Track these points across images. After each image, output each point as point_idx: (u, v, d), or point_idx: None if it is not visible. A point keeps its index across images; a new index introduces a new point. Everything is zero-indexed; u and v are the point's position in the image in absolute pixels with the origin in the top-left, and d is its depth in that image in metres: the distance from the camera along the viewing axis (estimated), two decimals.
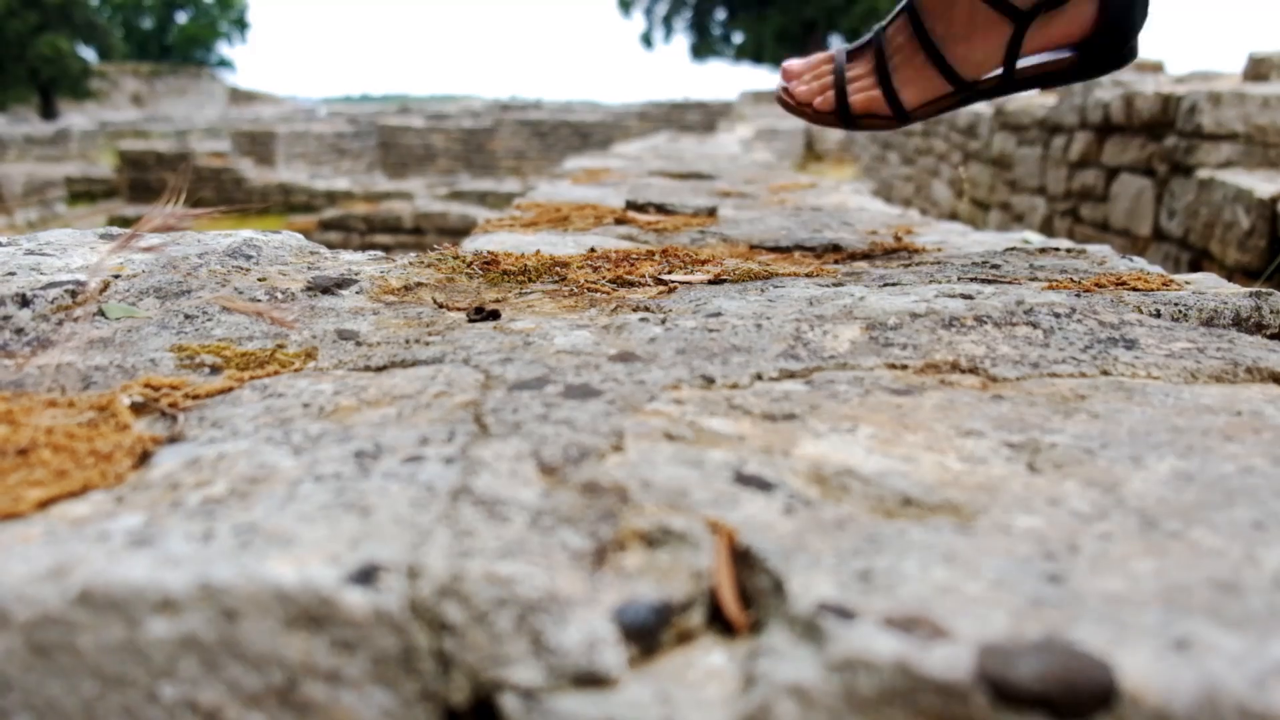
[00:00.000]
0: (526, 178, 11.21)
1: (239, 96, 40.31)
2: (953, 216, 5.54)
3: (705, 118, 15.91)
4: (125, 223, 9.02)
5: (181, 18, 46.17)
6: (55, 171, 11.49)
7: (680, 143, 6.49)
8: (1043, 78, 1.07)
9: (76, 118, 19.78)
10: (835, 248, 1.23)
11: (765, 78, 35.75)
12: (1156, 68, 4.07)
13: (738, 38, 32.95)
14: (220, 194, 10.47)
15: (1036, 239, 1.35)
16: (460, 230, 5.32)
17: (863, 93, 1.13)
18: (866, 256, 1.20)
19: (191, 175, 10.50)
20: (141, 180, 10.67)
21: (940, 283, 0.84)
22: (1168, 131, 2.98)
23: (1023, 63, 1.06)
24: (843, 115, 1.12)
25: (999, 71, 1.06)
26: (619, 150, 5.60)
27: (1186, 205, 2.80)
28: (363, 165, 14.79)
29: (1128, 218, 3.21)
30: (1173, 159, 2.91)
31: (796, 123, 16.26)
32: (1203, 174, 2.72)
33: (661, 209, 1.62)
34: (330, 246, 3.81)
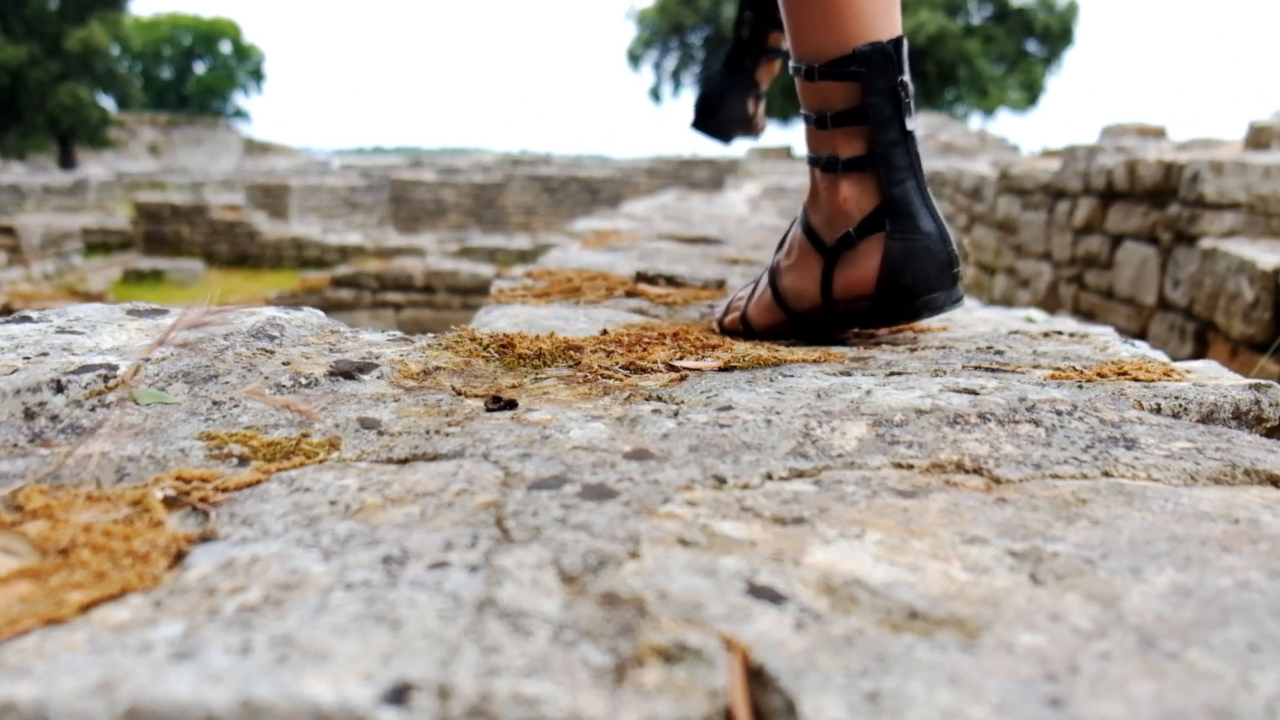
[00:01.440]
0: (536, 233, 11.32)
1: (254, 147, 40.85)
2: None
3: (713, 174, 16.07)
4: (139, 276, 9.12)
5: (200, 68, 46.97)
6: (72, 222, 11.64)
7: (689, 201, 6.56)
8: (852, 317, 1.10)
9: (94, 168, 20.05)
10: None
11: (773, 133, 36.12)
12: (1159, 133, 4.13)
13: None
14: (234, 247, 10.58)
15: (1040, 318, 1.38)
16: (471, 288, 5.37)
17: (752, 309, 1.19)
18: (873, 336, 1.22)
19: (206, 228, 10.63)
20: (157, 232, 10.79)
21: (945, 373, 0.86)
22: (1170, 199, 3.01)
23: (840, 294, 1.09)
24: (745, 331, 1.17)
25: (820, 304, 1.10)
26: (628, 209, 5.66)
27: (1191, 275, 2.82)
28: (375, 219, 14.94)
29: (1132, 286, 3.24)
30: (1176, 227, 2.95)
31: (803, 180, 16.38)
32: (1206, 243, 2.75)
33: (671, 281, 1.65)
34: (343, 305, 3.88)
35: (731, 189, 13.33)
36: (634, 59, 32.24)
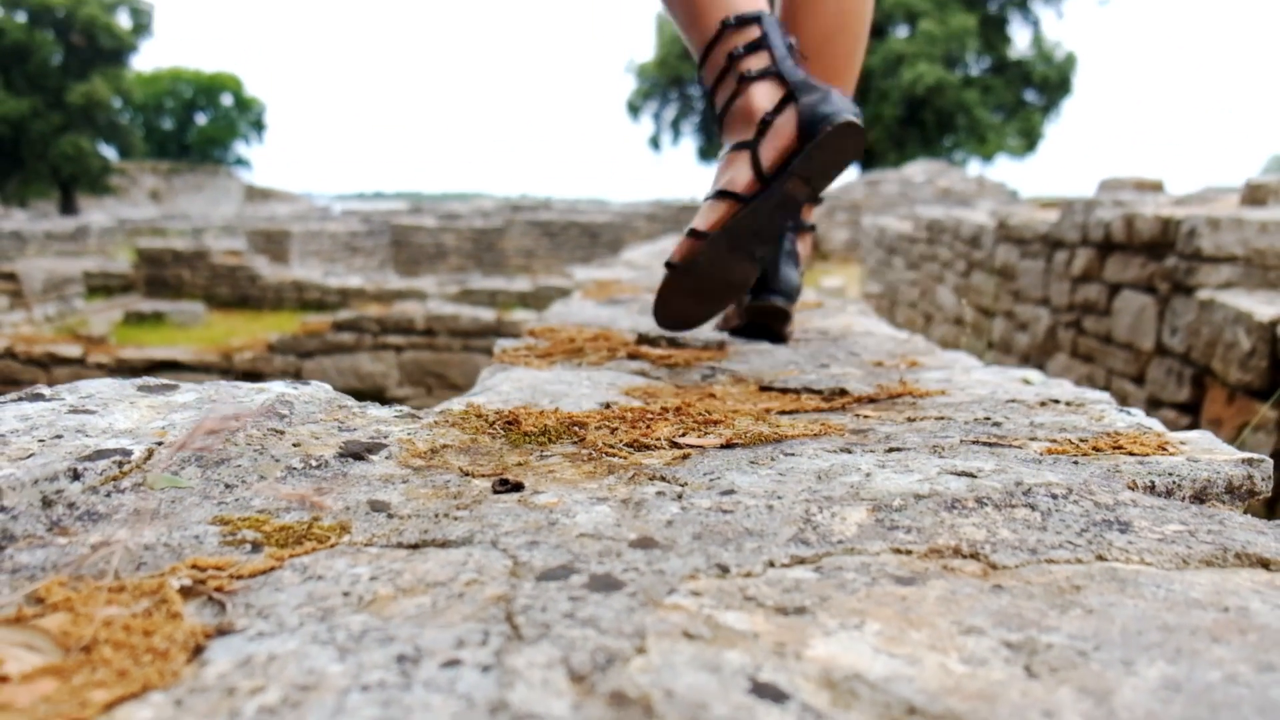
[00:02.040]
0: (536, 275, 11.38)
1: (254, 193, 41.14)
2: (957, 322, 5.61)
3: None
4: (141, 318, 9.16)
5: (201, 119, 47.43)
6: (74, 266, 11.71)
7: None
8: (784, 166, 1.34)
9: (96, 214, 20.20)
10: (842, 391, 1.27)
11: None
12: (1156, 186, 4.18)
13: (693, 141, 33.68)
14: (235, 290, 10.64)
15: (1037, 379, 1.40)
16: (471, 331, 5.40)
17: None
18: (872, 401, 1.24)
19: (207, 272, 10.69)
20: (158, 276, 10.86)
21: (943, 451, 0.88)
22: (1168, 252, 3.05)
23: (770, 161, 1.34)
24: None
25: (756, 180, 1.35)
26: (628, 257, 5.69)
27: (1188, 323, 2.85)
28: (375, 262, 15.02)
29: (1130, 332, 3.27)
30: (1173, 278, 2.98)
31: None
32: (1203, 294, 2.78)
33: (672, 342, 1.67)
34: (344, 347, 3.90)
35: None
36: (634, 110, 32.61)
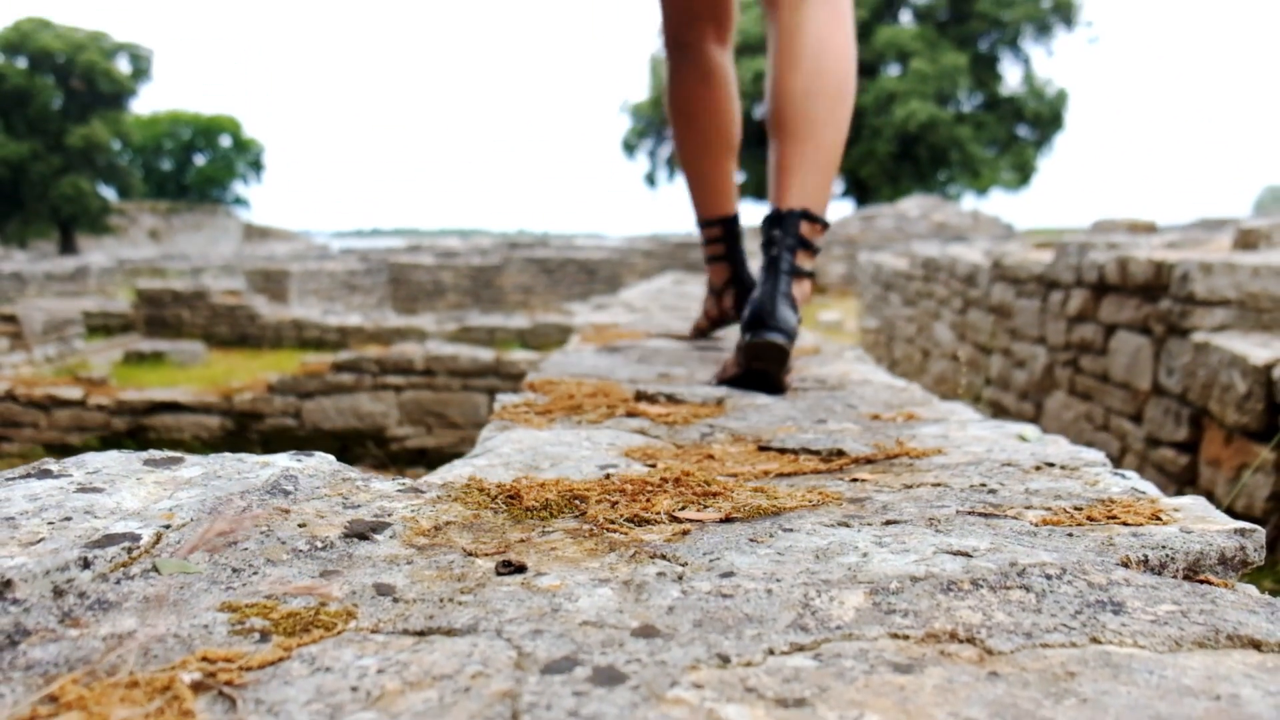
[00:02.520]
0: (535, 312, 11.42)
1: (253, 232, 41.34)
2: (955, 358, 5.64)
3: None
4: (141, 358, 9.17)
5: (200, 160, 47.73)
6: (74, 306, 11.74)
7: (685, 286, 6.64)
8: (722, 321, 2.48)
9: (96, 255, 20.28)
10: (839, 452, 1.29)
11: (765, 213, 36.66)
12: (1149, 228, 4.21)
13: (740, 177, 33.89)
14: (234, 329, 10.66)
15: (1033, 435, 1.41)
16: (470, 371, 5.42)
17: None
18: (870, 462, 1.26)
19: (207, 312, 10.72)
20: (158, 316, 10.89)
21: (940, 524, 0.89)
22: (1162, 294, 3.08)
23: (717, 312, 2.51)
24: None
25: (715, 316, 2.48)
26: (626, 297, 5.72)
27: (1184, 365, 2.87)
28: (374, 300, 15.07)
29: (1127, 372, 3.29)
30: (1168, 320, 3.00)
31: None
32: (1198, 337, 2.80)
33: (671, 399, 1.68)
34: (344, 388, 3.92)
35: None
36: (629, 148, 32.87)
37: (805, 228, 1.74)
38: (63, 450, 5.31)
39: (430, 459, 5.28)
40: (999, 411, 4.76)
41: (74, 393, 5.34)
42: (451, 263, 16.30)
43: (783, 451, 1.32)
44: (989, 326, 4.95)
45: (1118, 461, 3.36)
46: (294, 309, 11.22)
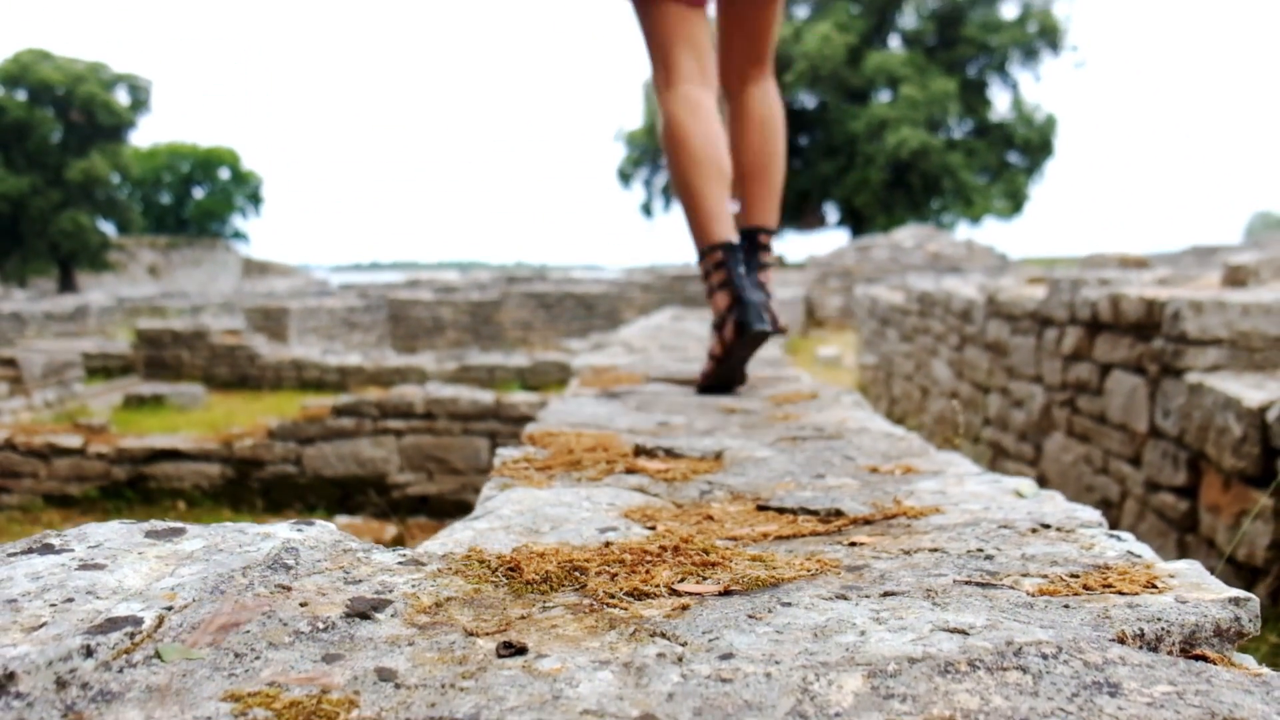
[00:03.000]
0: (534, 348, 11.44)
1: (252, 267, 41.46)
2: (953, 396, 5.64)
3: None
4: (141, 401, 9.18)
5: (199, 193, 47.95)
6: (73, 347, 11.77)
7: (684, 323, 6.66)
8: (733, 348, 2.43)
9: (95, 293, 20.33)
10: (838, 512, 1.29)
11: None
12: (1141, 263, 4.24)
13: (734, 206, 34.07)
14: (234, 370, 10.68)
15: (1029, 490, 1.42)
16: (471, 414, 5.42)
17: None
18: (868, 523, 1.26)
19: (207, 352, 10.74)
20: (157, 357, 10.91)
21: (937, 596, 0.90)
22: (1155, 333, 3.09)
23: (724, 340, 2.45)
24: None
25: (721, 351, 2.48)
26: (625, 336, 5.73)
27: (1179, 406, 2.88)
28: (373, 337, 15.10)
29: (1124, 413, 3.30)
30: (1162, 360, 3.02)
31: (795, 293, 16.76)
32: (1192, 378, 2.81)
33: (670, 453, 1.69)
34: (344, 433, 3.92)
35: None
36: (624, 177, 33.08)
37: (764, 237, 2.58)
38: (62, 501, 5.31)
39: (431, 506, 5.27)
40: (999, 453, 4.76)
41: (74, 441, 5.34)
42: (450, 298, 16.35)
43: (781, 511, 1.33)
44: (986, 364, 4.96)
45: (1118, 507, 3.35)
46: (294, 348, 11.24)
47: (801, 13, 33.25)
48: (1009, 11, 32.97)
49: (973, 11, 32.67)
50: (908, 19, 33.72)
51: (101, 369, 11.35)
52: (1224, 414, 2.59)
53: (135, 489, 5.37)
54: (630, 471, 1.59)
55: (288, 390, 10.23)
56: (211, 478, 5.36)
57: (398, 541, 4.79)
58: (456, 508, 5.37)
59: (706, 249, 2.37)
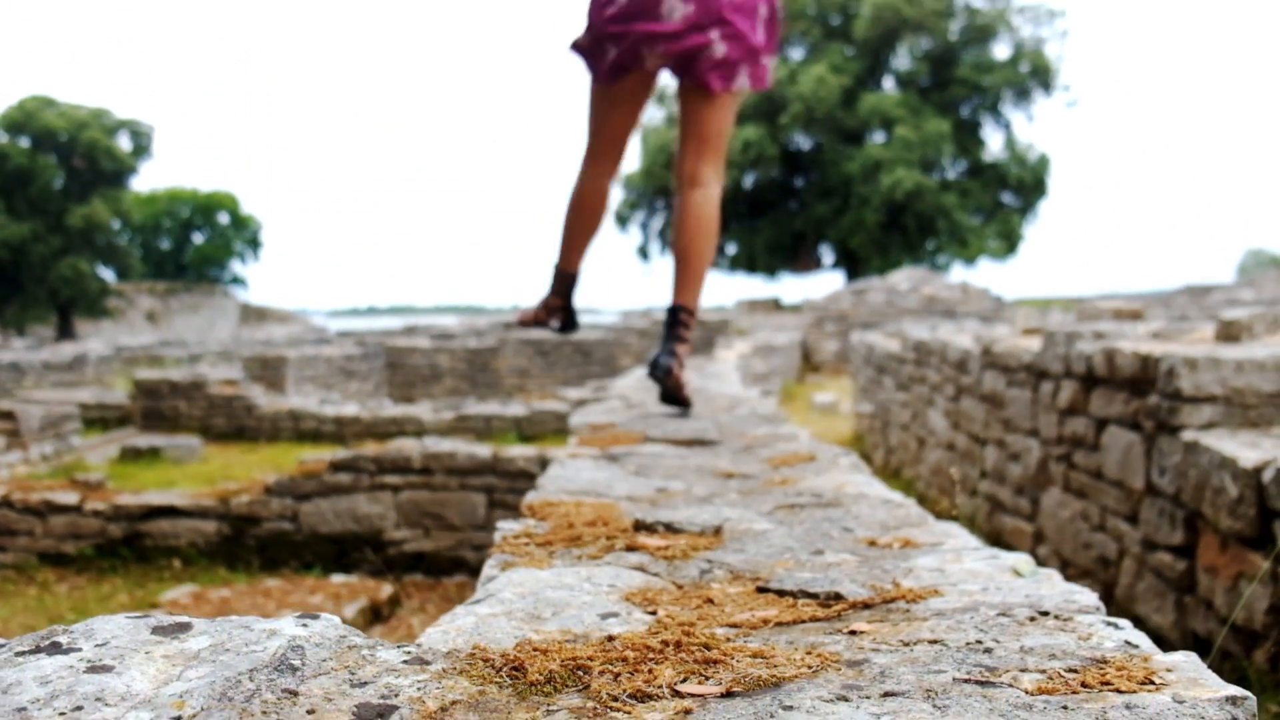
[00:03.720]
0: (530, 396, 11.45)
1: (250, 313, 41.56)
2: (950, 448, 5.65)
3: (704, 334, 16.35)
4: (138, 454, 9.16)
5: (198, 238, 48.13)
6: (71, 397, 11.77)
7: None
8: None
9: (93, 342, 20.36)
10: (837, 596, 1.31)
11: (758, 286, 37.31)
12: (1135, 315, 4.27)
13: (731, 249, 34.40)
14: (231, 421, 10.68)
15: (1026, 568, 1.43)
16: (468, 469, 5.42)
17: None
18: (868, 607, 1.27)
19: (204, 403, 10.74)
20: (155, 408, 10.91)
21: (937, 697, 0.91)
22: (1150, 388, 3.12)
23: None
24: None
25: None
26: (621, 387, 5.75)
27: (1175, 464, 2.90)
28: (370, 385, 15.11)
29: (1120, 470, 3.31)
30: (1157, 417, 3.03)
31: (791, 337, 16.82)
32: (1187, 436, 2.83)
33: (669, 528, 1.70)
34: (341, 488, 3.92)
35: (722, 348, 13.55)
36: (621, 220, 33.28)
37: (685, 315, 2.96)
38: (57, 559, 5.28)
39: (428, 563, 5.25)
40: (996, 506, 4.76)
41: (70, 498, 5.33)
42: (448, 345, 16.39)
43: (781, 594, 1.34)
44: (982, 415, 4.98)
45: (1116, 565, 3.36)
46: (291, 399, 11.24)
47: (796, 55, 33.66)
48: (1001, 52, 33.35)
49: (965, 53, 33.08)
50: (901, 61, 34.13)
51: (99, 419, 11.35)
52: (1219, 474, 2.60)
53: (131, 546, 5.35)
54: (630, 549, 1.60)
55: (284, 441, 10.22)
56: (207, 535, 5.35)
57: (393, 601, 4.77)
58: (453, 564, 5.35)
59: (557, 270, 3.21)
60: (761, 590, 1.37)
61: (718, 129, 2.81)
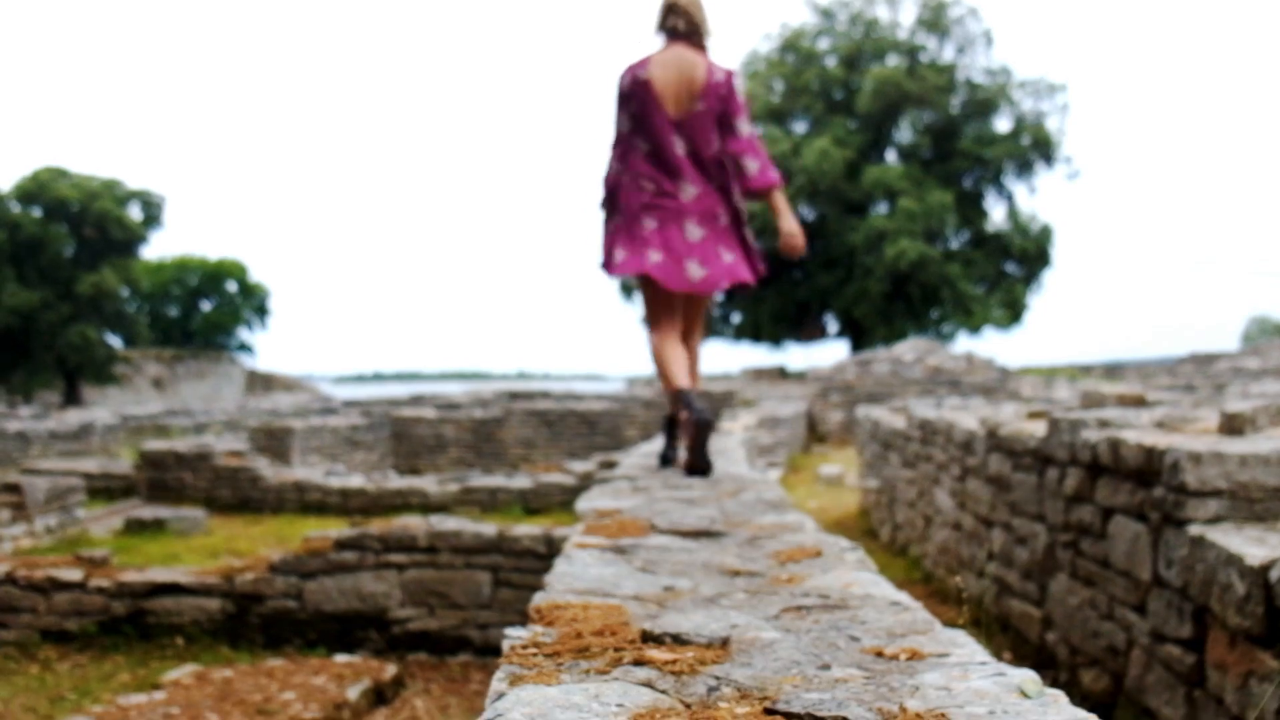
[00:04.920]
0: (536, 468, 11.44)
1: (256, 380, 41.69)
2: (957, 528, 5.63)
3: (710, 405, 16.37)
4: (142, 525, 9.14)
5: (206, 306, 48.46)
6: (77, 467, 11.79)
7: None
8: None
9: (100, 411, 20.41)
10: None
11: (763, 355, 37.44)
12: (1139, 400, 4.29)
13: (736, 318, 34.58)
14: (236, 492, 10.67)
15: (1033, 690, 1.43)
16: (474, 549, 5.41)
17: None
18: None
19: (209, 474, 10.74)
20: (160, 480, 10.91)
21: None
22: (1155, 480, 3.12)
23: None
24: None
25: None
26: (626, 466, 5.75)
27: (1182, 558, 2.89)
28: (376, 455, 15.11)
29: (1127, 560, 3.30)
30: (1163, 509, 3.04)
31: (796, 408, 16.83)
32: (1193, 530, 2.83)
33: (677, 639, 1.71)
34: (346, 566, 3.93)
35: (728, 420, 13.57)
36: (627, 290, 33.48)
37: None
38: (60, 637, 5.25)
39: (432, 642, 5.21)
40: (1003, 589, 4.73)
41: (74, 574, 5.32)
42: (453, 415, 16.40)
43: (789, 717, 1.35)
44: (988, 497, 4.97)
45: (1124, 655, 3.33)
46: (296, 470, 11.24)
47: (800, 129, 34.14)
48: (1003, 125, 33.77)
49: (967, 126, 33.50)
50: (904, 134, 34.57)
51: (104, 490, 11.34)
52: (1226, 570, 2.60)
53: (134, 624, 5.32)
54: (638, 663, 1.61)
55: (289, 513, 10.20)
56: (211, 613, 5.32)
57: (397, 681, 4.72)
58: (457, 643, 5.31)
59: (673, 391, 4.03)
60: (769, 712, 1.37)
61: (696, 318, 4.34)
